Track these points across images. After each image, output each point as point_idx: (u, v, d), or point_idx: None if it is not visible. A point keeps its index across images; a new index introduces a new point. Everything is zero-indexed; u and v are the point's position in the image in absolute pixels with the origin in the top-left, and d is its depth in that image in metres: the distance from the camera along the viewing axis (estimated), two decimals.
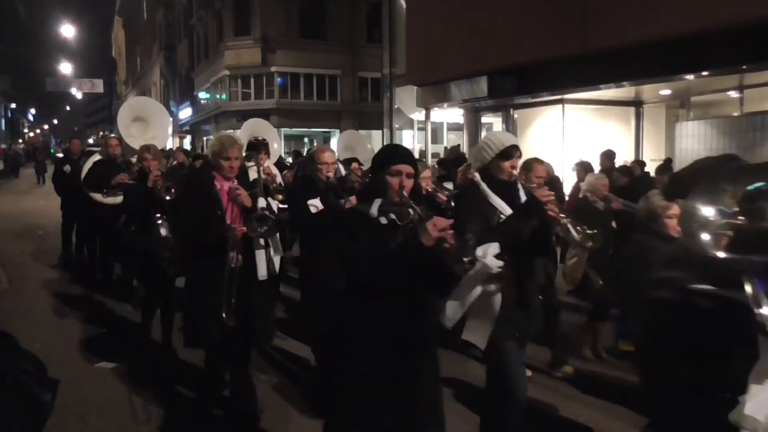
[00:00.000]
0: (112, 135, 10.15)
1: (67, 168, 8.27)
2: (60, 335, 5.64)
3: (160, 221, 4.69)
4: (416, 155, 14.41)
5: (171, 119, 7.17)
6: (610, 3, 8.42)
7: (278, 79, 25.97)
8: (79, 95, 54.25)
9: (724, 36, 7.12)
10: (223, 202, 3.58)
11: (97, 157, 6.80)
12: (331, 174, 4.15)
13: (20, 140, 50.41)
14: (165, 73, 38.24)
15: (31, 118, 66.93)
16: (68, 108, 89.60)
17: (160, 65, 39.07)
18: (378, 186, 2.46)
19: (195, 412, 3.89)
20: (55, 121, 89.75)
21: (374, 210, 2.42)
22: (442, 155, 13.90)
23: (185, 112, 34.68)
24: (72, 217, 8.34)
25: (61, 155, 29.46)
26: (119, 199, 5.88)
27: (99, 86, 43.78)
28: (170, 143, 20.69)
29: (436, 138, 16.22)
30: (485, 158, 3.13)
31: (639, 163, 9.43)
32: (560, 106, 10.99)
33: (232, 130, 27.93)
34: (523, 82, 10.60)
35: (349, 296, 2.45)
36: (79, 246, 8.63)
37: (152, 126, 6.78)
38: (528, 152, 12.56)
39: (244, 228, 3.52)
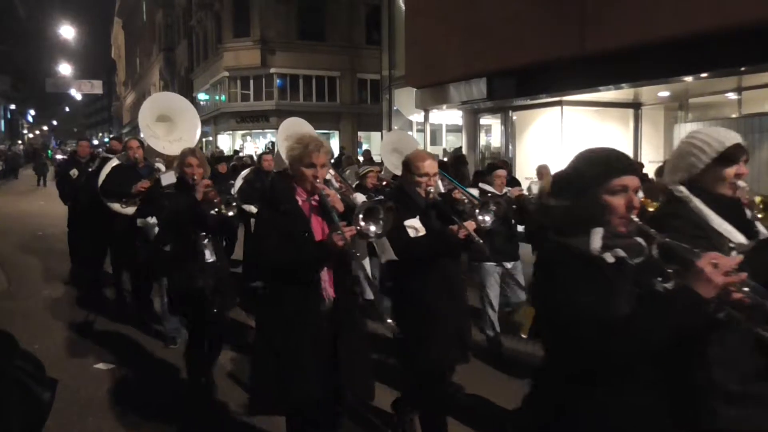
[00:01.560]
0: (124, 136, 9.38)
1: (74, 172, 7.67)
2: (59, 336, 5.64)
3: (205, 241, 3.96)
4: None
5: (199, 120, 6.27)
6: (609, 5, 8.44)
7: (277, 81, 25.98)
8: (78, 96, 54.32)
9: (723, 38, 7.14)
10: (309, 221, 2.82)
11: (115, 162, 6.00)
12: (432, 188, 3.37)
13: (19, 141, 50.38)
14: (164, 74, 38.24)
15: (30, 119, 66.92)
16: (67, 109, 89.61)
17: (160, 66, 39.08)
18: (590, 209, 1.73)
19: None
20: (55, 122, 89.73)
21: (596, 244, 1.70)
22: (441, 157, 13.93)
23: None
24: (81, 227, 7.48)
25: (61, 157, 29.58)
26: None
27: (98, 87, 43.83)
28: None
29: (435, 140, 16.24)
30: (695, 165, 2.22)
31: (638, 164, 9.44)
32: (559, 107, 11.01)
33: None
34: (522, 83, 10.62)
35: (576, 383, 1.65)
36: (95, 262, 7.48)
37: (178, 126, 5.80)
38: (526, 154, 12.67)
39: (353, 229, 2.64)
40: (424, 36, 12.61)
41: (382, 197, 3.25)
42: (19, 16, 47.59)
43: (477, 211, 3.33)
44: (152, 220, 4.94)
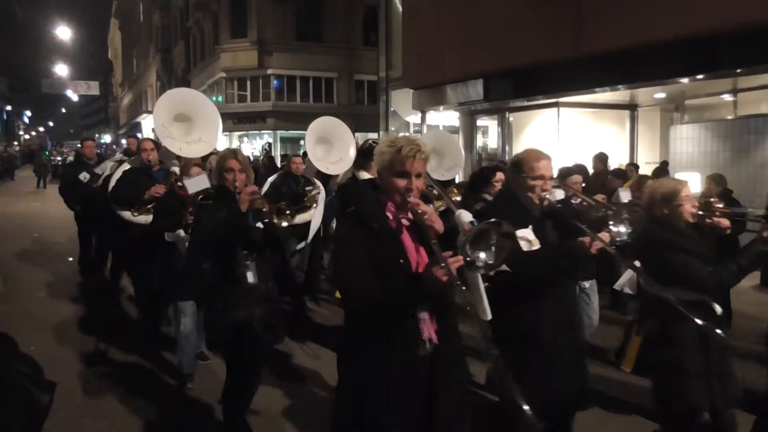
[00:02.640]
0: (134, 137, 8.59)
1: (85, 176, 7.05)
2: (55, 338, 5.63)
3: (248, 262, 3.36)
4: None
5: (220, 120, 5.73)
6: (605, 7, 8.47)
7: (274, 82, 25.97)
8: (75, 97, 54.19)
9: (718, 40, 7.17)
10: (404, 243, 2.26)
11: (126, 165, 5.52)
12: (548, 193, 2.87)
13: (15, 142, 50.24)
14: (161, 75, 38.20)
15: (26, 120, 66.73)
16: (64, 110, 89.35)
17: (157, 67, 39.03)
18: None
19: None
20: (51, 123, 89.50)
21: None
22: None
23: None
24: (92, 236, 7.07)
25: (59, 158, 29.47)
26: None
27: (95, 88, 43.73)
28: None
29: None
30: None
31: (634, 166, 9.48)
32: (555, 109, 11.04)
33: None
34: (519, 85, 10.64)
35: None
36: (113, 273, 7.12)
37: (197, 125, 5.26)
38: None
39: (460, 259, 2.04)
40: (421, 37, 12.63)
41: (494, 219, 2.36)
42: (15, 17, 47.48)
43: (611, 221, 2.84)
44: (185, 238, 4.27)
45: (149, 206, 5.03)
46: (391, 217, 2.28)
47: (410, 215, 2.28)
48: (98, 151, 8.19)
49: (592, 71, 9.03)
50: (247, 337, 3.30)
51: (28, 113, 65.87)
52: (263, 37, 25.41)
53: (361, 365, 2.23)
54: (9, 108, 48.13)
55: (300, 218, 5.41)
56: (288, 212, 3.55)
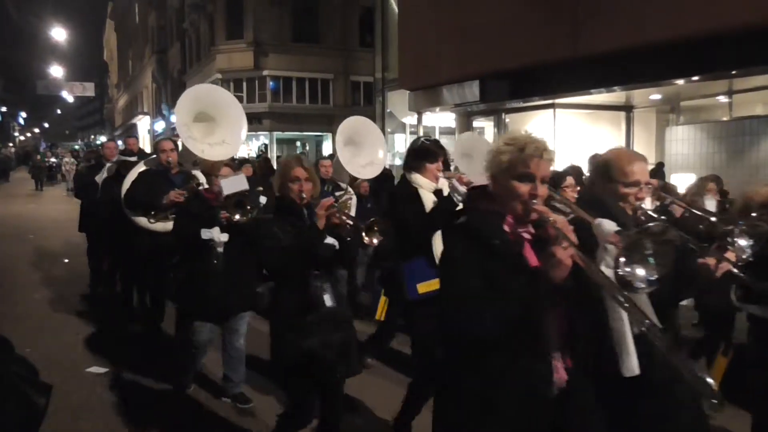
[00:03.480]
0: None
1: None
2: (50, 340, 5.60)
3: (323, 283, 2.92)
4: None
5: (246, 121, 5.05)
6: (602, 8, 8.49)
7: (271, 83, 25.95)
8: (70, 98, 53.94)
9: (714, 41, 7.21)
10: (528, 261, 1.88)
11: (142, 167, 5.10)
12: (644, 202, 2.55)
13: (10, 144, 50.07)
14: (157, 76, 38.11)
15: (21, 121, 66.52)
16: (59, 111, 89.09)
17: (152, 68, 38.94)
18: None
19: None
20: (46, 125, 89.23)
21: None
22: None
23: None
24: (110, 247, 6.48)
25: (53, 160, 29.30)
26: (172, 224, 4.44)
27: (90, 89, 43.52)
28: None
29: None
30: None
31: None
32: (551, 110, 11.07)
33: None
34: (515, 86, 10.66)
35: None
36: (124, 287, 6.46)
37: (221, 125, 4.84)
38: None
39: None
40: (417, 38, 12.64)
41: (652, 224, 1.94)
42: (10, 18, 47.36)
43: (732, 235, 2.36)
44: (221, 236, 3.79)
45: (168, 212, 4.62)
46: (508, 230, 1.88)
47: (532, 228, 1.88)
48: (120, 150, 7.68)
49: (588, 73, 9.05)
50: (319, 367, 2.85)
51: (24, 114, 65.66)
52: (259, 39, 25.38)
53: (468, 402, 1.87)
54: (4, 109, 47.99)
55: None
56: (377, 228, 2.80)
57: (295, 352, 2.82)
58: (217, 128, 4.85)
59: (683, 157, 9.94)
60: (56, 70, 44.67)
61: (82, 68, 65.13)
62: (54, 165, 28.30)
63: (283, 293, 2.95)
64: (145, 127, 41.72)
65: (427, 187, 3.56)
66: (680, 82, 8.55)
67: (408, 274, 3.46)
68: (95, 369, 4.86)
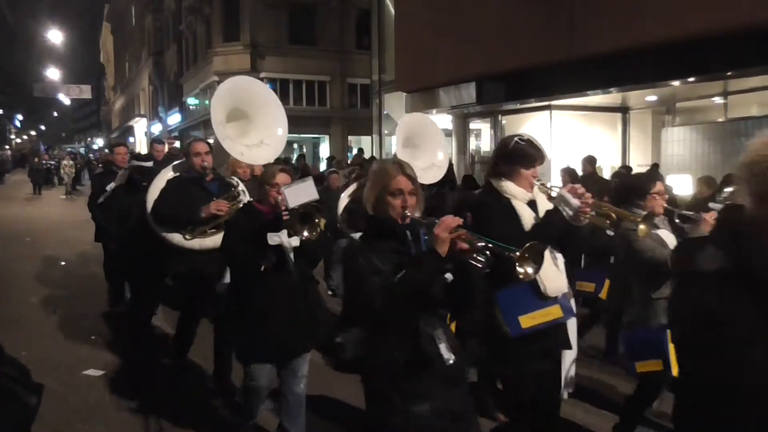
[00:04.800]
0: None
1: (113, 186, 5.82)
2: (47, 342, 5.59)
3: (438, 330, 2.22)
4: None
5: (285, 119, 4.23)
6: (597, 10, 8.52)
7: (267, 85, 25.94)
8: (66, 101, 53.91)
9: (709, 43, 7.24)
10: None
11: (170, 174, 4.34)
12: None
13: (7, 146, 49.95)
14: (154, 78, 38.10)
15: (18, 124, 66.37)
16: (56, 114, 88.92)
17: (149, 71, 38.93)
18: None
19: None
20: (43, 127, 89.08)
21: None
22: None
23: (174, 118, 34.56)
24: (131, 264, 5.33)
25: (51, 162, 29.19)
26: (211, 241, 3.82)
27: (87, 92, 43.49)
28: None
29: None
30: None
31: (626, 168, 9.54)
32: (548, 111, 11.10)
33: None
34: (511, 88, 10.69)
35: None
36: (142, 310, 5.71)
37: (256, 125, 4.24)
38: None
39: None
40: (414, 40, 12.66)
41: None
42: (6, 21, 47.28)
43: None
44: (291, 241, 3.15)
45: (207, 227, 4.03)
46: None
47: None
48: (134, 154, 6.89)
49: (584, 74, 9.08)
50: None
51: (20, 117, 65.54)
52: (256, 41, 25.40)
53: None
54: (0, 112, 47.86)
55: None
56: (530, 256, 2.01)
57: (405, 420, 2.17)
58: (252, 128, 4.25)
59: (679, 158, 9.98)
60: (53, 73, 44.67)
61: (78, 71, 65.12)
62: (52, 167, 28.23)
63: (384, 344, 2.22)
64: (141, 129, 41.67)
65: (521, 198, 2.93)
66: (676, 83, 8.58)
67: (506, 305, 2.81)
68: (92, 372, 4.86)
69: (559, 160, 9.93)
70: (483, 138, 14.08)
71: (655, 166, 10.22)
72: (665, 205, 3.47)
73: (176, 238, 4.09)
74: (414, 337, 2.17)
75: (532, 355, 2.82)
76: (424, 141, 4.63)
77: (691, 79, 8.34)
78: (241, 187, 4.12)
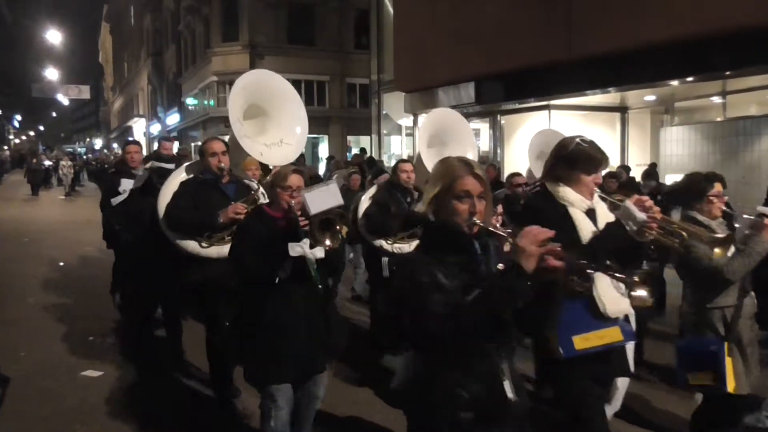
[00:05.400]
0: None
1: (125, 190, 5.32)
2: (45, 343, 5.57)
3: (499, 363, 1.91)
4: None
5: (305, 116, 4.16)
6: (596, 10, 8.53)
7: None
8: (65, 101, 53.97)
9: (708, 43, 7.25)
10: None
11: (183, 175, 4.01)
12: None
13: (5, 147, 49.91)
14: (152, 78, 38.08)
15: (16, 124, 66.31)
16: (54, 114, 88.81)
17: (148, 71, 38.90)
18: None
19: None
20: (42, 128, 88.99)
21: None
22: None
23: (173, 118, 34.55)
24: (143, 273, 5.09)
25: (48, 163, 29.12)
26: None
27: (86, 92, 43.50)
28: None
29: None
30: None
31: (624, 168, 9.55)
32: (547, 111, 11.10)
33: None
34: (510, 87, 10.70)
35: None
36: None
37: (275, 123, 4.01)
38: (515, 158, 12.74)
39: None
40: (413, 40, 12.66)
41: None
42: (5, 21, 47.23)
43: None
44: (315, 252, 2.85)
45: (225, 233, 3.67)
46: None
47: None
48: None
49: (583, 74, 9.09)
50: None
51: (18, 117, 65.48)
52: (255, 41, 25.39)
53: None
54: None
55: None
56: (641, 280, 1.84)
57: None
58: (270, 125, 3.96)
59: (678, 157, 9.99)
60: (51, 73, 44.63)
61: (77, 71, 65.01)
62: (50, 168, 28.18)
63: (442, 377, 1.88)
64: (140, 129, 41.64)
65: (579, 206, 2.64)
66: (674, 83, 8.59)
67: (559, 324, 2.39)
68: (90, 372, 4.84)
69: None
70: (482, 138, 14.08)
71: (652, 166, 10.23)
72: (724, 207, 3.18)
73: (191, 245, 3.75)
74: (477, 368, 1.86)
75: (583, 378, 2.55)
76: (452, 139, 4.20)
77: (690, 79, 8.35)
78: (261, 190, 3.79)
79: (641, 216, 2.46)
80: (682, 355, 3.16)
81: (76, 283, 8.08)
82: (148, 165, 5.52)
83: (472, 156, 4.17)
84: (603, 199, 2.77)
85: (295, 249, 2.77)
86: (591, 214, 2.66)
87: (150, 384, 4.64)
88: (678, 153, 10.02)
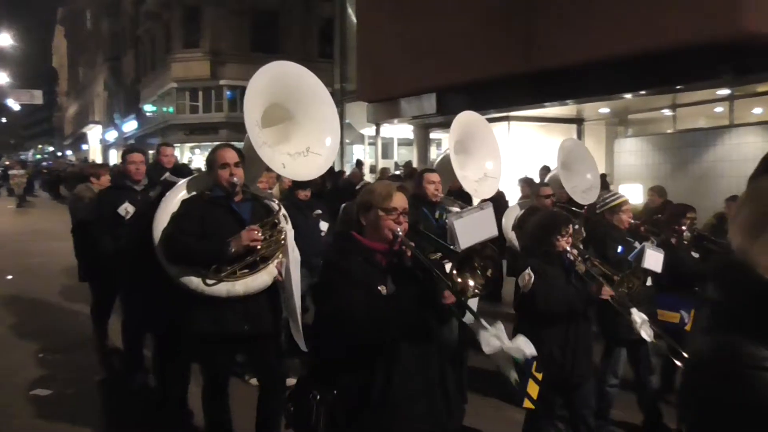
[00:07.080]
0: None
1: (127, 209, 4.28)
2: (36, 354, 5.36)
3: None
4: (367, 170, 14.36)
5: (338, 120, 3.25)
6: (554, 25, 8.77)
7: (228, 93, 25.65)
8: (16, 106, 51.95)
9: (659, 58, 7.53)
10: None
11: (183, 192, 3.19)
12: None
13: None
14: (109, 84, 37.16)
15: None
16: (4, 120, 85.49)
17: (104, 76, 37.95)
18: None
19: None
20: None
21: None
22: (393, 170, 14.04)
23: (130, 125, 33.77)
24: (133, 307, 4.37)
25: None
26: (243, 285, 2.84)
27: (38, 97, 41.97)
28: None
29: (386, 153, 16.36)
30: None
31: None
32: (506, 122, 11.31)
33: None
34: (471, 99, 10.85)
35: None
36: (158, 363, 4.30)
37: (299, 127, 3.25)
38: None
39: None
40: (376, 51, 12.74)
41: None
42: None
43: None
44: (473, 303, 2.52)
45: (238, 266, 2.87)
46: None
47: None
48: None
49: (541, 87, 9.32)
50: None
51: None
52: (217, 48, 25.10)
53: None
54: None
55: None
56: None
57: None
58: (296, 130, 3.19)
59: (631, 168, 10.32)
60: (1, 77, 42.96)
61: (29, 75, 62.79)
62: None
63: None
64: (96, 136, 40.53)
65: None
66: (628, 96, 8.89)
67: None
68: (40, 391, 4.66)
69: (517, 170, 10.13)
70: (444, 147, 14.25)
71: (602, 176, 10.52)
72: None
73: (194, 282, 2.87)
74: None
75: None
76: (477, 147, 3.85)
77: (642, 92, 8.66)
78: (283, 211, 3.08)
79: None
80: None
81: (25, 297, 7.77)
82: (163, 177, 4.53)
83: (492, 164, 3.83)
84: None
85: (491, 343, 1.99)
86: None
87: (100, 403, 4.50)
88: (631, 163, 10.35)
